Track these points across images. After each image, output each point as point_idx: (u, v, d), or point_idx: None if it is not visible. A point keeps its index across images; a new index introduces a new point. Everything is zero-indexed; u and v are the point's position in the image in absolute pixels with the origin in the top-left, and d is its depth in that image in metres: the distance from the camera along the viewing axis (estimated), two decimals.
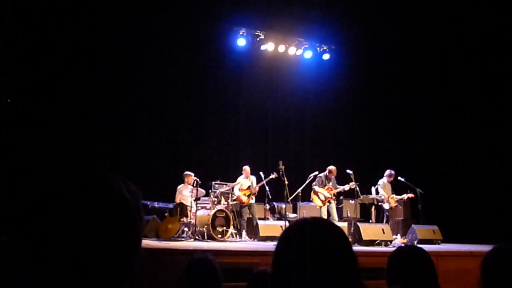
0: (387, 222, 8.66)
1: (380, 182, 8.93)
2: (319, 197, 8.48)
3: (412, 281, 1.96)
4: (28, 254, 0.69)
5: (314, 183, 8.56)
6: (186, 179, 8.37)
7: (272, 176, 8.42)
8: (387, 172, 8.99)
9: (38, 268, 0.68)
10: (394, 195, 8.85)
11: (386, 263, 2.14)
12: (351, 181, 8.43)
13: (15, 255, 0.70)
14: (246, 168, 8.92)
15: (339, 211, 9.35)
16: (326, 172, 8.66)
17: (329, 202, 8.52)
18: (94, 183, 0.76)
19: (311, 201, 8.68)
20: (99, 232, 0.71)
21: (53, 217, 0.70)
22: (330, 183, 8.59)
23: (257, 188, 8.73)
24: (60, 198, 0.72)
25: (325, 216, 8.21)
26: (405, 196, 8.89)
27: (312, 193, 8.56)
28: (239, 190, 8.70)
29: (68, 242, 0.69)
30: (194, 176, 8.21)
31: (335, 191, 8.53)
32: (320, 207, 8.47)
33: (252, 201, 8.76)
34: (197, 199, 7.94)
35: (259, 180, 8.76)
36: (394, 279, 2.02)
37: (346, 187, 8.50)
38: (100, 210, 0.73)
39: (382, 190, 8.81)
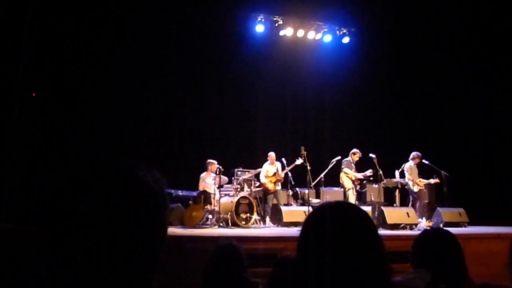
0: (412, 205, 8.55)
1: (407, 165, 8.73)
2: (350, 178, 8.43)
3: (438, 264, 1.94)
4: (56, 243, 0.70)
5: (343, 166, 8.52)
6: (209, 167, 8.44)
7: (298, 161, 8.32)
8: (413, 154, 8.77)
9: (66, 257, 0.70)
10: (421, 179, 8.69)
11: (411, 246, 2.12)
12: (374, 164, 8.36)
13: (46, 244, 0.72)
14: (272, 154, 8.82)
15: (363, 195, 9.29)
16: (351, 155, 8.60)
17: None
18: (119, 172, 0.76)
19: (340, 184, 8.62)
20: (125, 220, 0.72)
21: (79, 206, 0.71)
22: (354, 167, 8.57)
23: (283, 175, 8.66)
24: (85, 187, 0.73)
25: (352, 200, 8.14)
26: (431, 180, 8.73)
27: (342, 175, 8.52)
28: (265, 177, 8.68)
29: (94, 231, 0.70)
30: (217, 164, 8.27)
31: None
32: (349, 189, 8.42)
33: (278, 187, 8.71)
34: (220, 186, 8.01)
35: (282, 166, 8.75)
36: (419, 262, 2.00)
37: (368, 173, 8.42)
38: (126, 198, 0.73)
39: (408, 173, 8.65)
